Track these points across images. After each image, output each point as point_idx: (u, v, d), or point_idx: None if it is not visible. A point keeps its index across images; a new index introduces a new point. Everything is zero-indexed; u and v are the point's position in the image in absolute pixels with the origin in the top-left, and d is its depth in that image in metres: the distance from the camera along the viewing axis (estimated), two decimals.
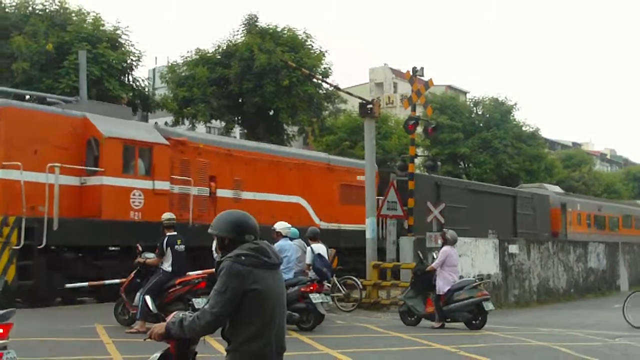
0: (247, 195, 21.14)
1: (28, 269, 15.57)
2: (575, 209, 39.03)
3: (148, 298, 5.22)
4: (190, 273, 12.66)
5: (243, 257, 4.24)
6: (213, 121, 32.73)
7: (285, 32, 31.27)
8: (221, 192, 20.48)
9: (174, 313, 4.46)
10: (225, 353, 4.30)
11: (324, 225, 22.69)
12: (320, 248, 14.38)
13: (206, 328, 4.21)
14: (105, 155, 17.27)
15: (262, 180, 21.77)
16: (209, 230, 4.53)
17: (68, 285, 15.30)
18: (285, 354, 4.37)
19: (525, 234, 30.68)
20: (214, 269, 4.55)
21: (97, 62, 24.97)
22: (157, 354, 4.50)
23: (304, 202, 23.26)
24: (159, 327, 4.35)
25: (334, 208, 24.16)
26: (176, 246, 12.33)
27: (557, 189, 41.67)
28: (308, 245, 14.50)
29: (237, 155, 21.28)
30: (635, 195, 72.02)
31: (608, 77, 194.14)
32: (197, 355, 4.56)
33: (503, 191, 32.29)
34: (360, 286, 18.21)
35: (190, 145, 19.84)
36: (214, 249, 4.53)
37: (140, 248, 12.79)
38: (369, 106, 19.93)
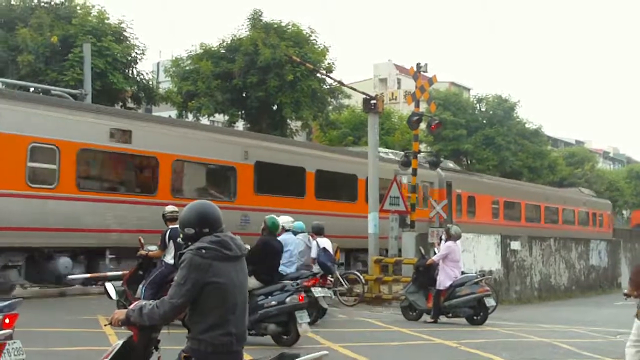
0: None
1: None
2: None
3: (109, 285, 5.32)
4: None
5: (204, 250, 4.36)
6: (216, 115, 32.74)
7: (290, 27, 31.22)
8: None
9: (137, 302, 4.57)
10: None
11: None
12: (325, 242, 14.53)
13: (164, 317, 4.36)
14: None
15: None
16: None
17: (70, 277, 15.35)
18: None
19: None
20: None
21: (101, 55, 25.02)
22: (120, 342, 4.61)
23: None
24: (120, 313, 4.51)
25: None
26: (179, 239, 12.35)
27: None
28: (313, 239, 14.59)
29: None
30: (637, 193, 71.93)
31: (611, 75, 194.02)
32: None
33: None
34: (363, 281, 18.28)
35: None
36: (179, 239, 4.63)
37: (142, 240, 12.83)
38: (373, 102, 19.97)
